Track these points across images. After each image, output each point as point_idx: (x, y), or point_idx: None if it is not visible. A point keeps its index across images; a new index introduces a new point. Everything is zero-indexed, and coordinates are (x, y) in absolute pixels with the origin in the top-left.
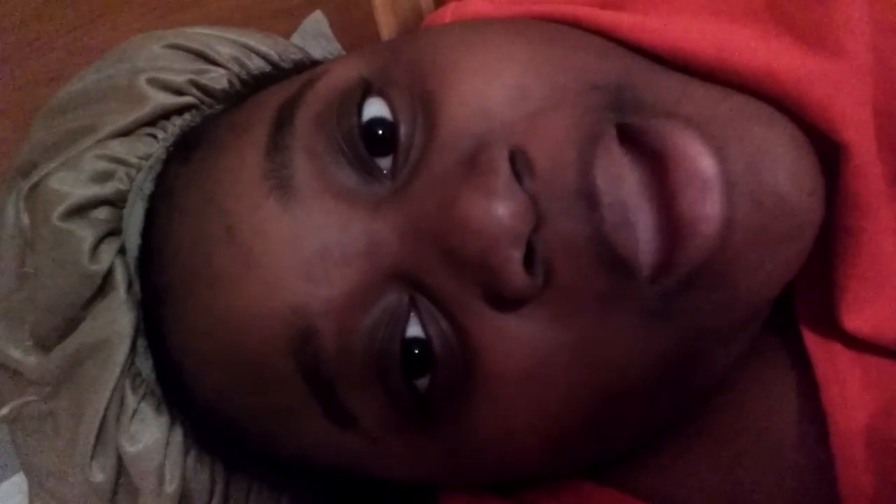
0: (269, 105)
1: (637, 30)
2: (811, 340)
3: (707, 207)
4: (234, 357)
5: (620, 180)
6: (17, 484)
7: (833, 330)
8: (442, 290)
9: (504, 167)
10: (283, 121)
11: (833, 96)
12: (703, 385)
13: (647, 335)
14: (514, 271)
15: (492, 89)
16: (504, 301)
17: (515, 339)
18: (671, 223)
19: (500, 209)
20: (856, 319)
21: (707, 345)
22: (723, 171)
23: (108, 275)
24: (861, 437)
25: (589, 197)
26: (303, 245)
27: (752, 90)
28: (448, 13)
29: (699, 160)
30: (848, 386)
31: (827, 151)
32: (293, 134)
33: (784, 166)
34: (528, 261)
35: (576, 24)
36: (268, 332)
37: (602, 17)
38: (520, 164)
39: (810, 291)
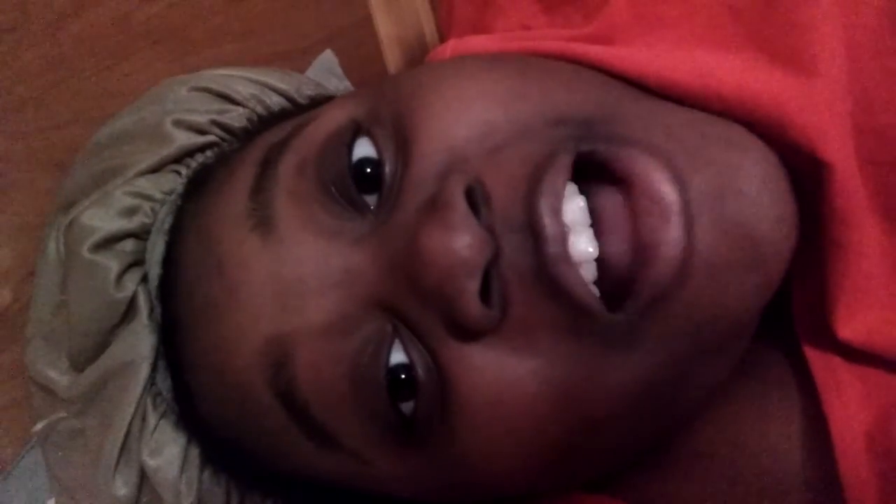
0: (261, 147)
1: (623, 62)
2: (811, 352)
3: (667, 232)
4: (223, 383)
5: (558, 212)
6: None
7: (831, 342)
8: (415, 320)
9: (460, 202)
10: (267, 164)
11: (812, 115)
12: (688, 405)
13: (616, 363)
14: (469, 302)
15: (458, 126)
16: (466, 331)
17: (480, 369)
18: (634, 247)
19: (455, 242)
20: (849, 329)
21: (685, 368)
22: (683, 199)
23: (132, 302)
24: (862, 444)
25: (532, 230)
26: (279, 277)
27: (735, 114)
28: (448, 49)
29: (661, 186)
30: (847, 395)
31: (809, 169)
32: (275, 177)
33: (750, 195)
34: (487, 292)
35: (565, 58)
36: (247, 360)
37: (590, 52)
38: (477, 196)
39: (808, 304)
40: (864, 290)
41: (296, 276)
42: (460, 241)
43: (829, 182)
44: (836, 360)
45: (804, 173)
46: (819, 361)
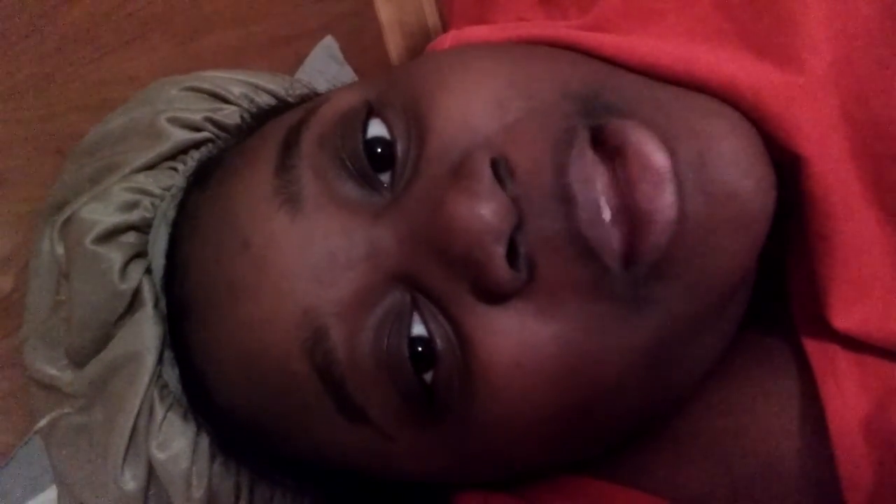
0: (278, 130)
1: (615, 47)
2: (808, 341)
3: (661, 198)
4: (253, 360)
5: (592, 180)
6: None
7: (829, 331)
8: (438, 289)
9: (486, 172)
10: (290, 142)
11: (791, 109)
12: (690, 374)
13: (627, 325)
14: (499, 265)
15: (473, 104)
16: (492, 295)
17: (504, 332)
18: (632, 215)
19: (483, 209)
20: (845, 319)
21: (686, 332)
22: (674, 165)
23: (137, 293)
24: (860, 430)
25: (565, 197)
26: (311, 251)
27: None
28: (448, 39)
29: (653, 155)
30: (845, 383)
31: (789, 162)
32: (299, 154)
33: (729, 157)
34: (512, 257)
35: (559, 44)
36: (282, 334)
37: (583, 37)
38: (501, 169)
39: (804, 294)
40: (860, 282)
41: (326, 251)
42: (487, 208)
43: (806, 175)
44: (834, 349)
45: (786, 165)
46: (816, 349)
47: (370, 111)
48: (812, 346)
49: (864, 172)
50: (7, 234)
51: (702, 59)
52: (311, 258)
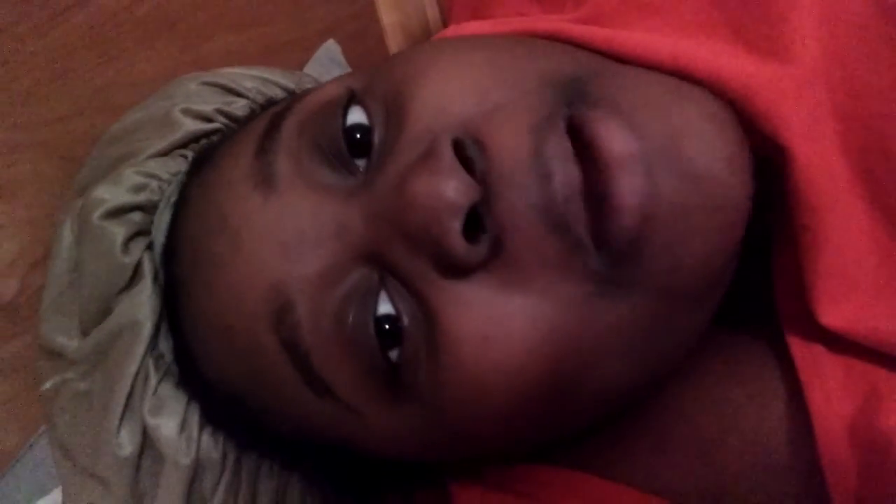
0: (264, 117)
1: (607, 40)
2: (794, 340)
3: (625, 183)
4: (228, 333)
5: (569, 159)
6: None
7: (814, 330)
8: (403, 266)
9: (446, 151)
10: (271, 128)
11: (778, 102)
12: (666, 358)
13: (600, 305)
14: (454, 239)
15: (452, 91)
16: (454, 269)
17: (468, 305)
18: (599, 200)
19: (440, 185)
20: (831, 315)
21: (666, 314)
22: (641, 150)
23: (138, 267)
24: (844, 431)
25: (543, 173)
26: (281, 229)
27: None
28: (448, 34)
29: (618, 141)
30: (829, 383)
31: (776, 154)
32: (279, 138)
33: (702, 140)
34: (473, 231)
35: (554, 38)
36: (252, 308)
37: (576, 30)
38: (469, 149)
39: (790, 291)
40: (847, 277)
41: (295, 228)
42: (445, 185)
43: (791, 168)
44: (819, 349)
45: (774, 158)
46: (801, 350)
47: (352, 98)
48: (797, 346)
49: (853, 166)
50: (12, 238)
51: (691, 52)
52: (281, 235)
